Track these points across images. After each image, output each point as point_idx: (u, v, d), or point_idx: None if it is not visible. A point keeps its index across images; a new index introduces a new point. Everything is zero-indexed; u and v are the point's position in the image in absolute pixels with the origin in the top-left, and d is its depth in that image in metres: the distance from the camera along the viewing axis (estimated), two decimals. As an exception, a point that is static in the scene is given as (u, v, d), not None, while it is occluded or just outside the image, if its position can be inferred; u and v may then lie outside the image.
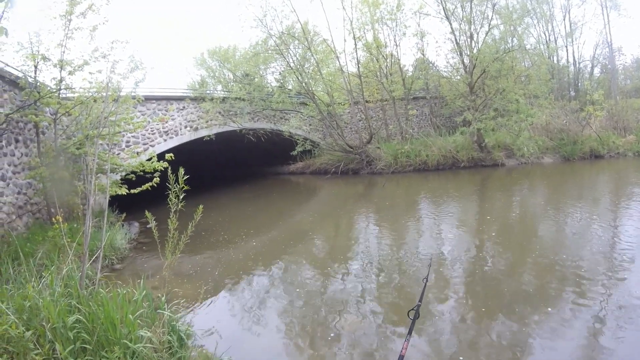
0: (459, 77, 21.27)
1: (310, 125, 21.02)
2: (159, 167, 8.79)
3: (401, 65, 23.26)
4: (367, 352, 4.15)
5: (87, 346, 3.12)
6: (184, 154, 19.71)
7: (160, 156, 9.11)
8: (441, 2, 19.88)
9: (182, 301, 4.91)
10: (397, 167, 18.82)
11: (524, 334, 4.42)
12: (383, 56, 22.56)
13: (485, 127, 18.49)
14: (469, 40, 19.86)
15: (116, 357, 3.08)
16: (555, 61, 25.60)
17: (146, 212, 4.52)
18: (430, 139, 19.67)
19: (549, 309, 4.86)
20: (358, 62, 21.91)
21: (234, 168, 25.19)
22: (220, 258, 7.95)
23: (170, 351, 3.62)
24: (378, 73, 22.33)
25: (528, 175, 17.73)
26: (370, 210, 12.88)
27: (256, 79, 21.85)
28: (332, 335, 4.50)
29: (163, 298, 4.13)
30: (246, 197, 17.27)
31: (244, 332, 4.83)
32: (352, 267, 6.98)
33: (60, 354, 2.99)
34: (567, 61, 26.34)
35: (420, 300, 2.85)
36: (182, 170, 3.98)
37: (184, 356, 3.68)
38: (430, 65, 24.49)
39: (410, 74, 24.45)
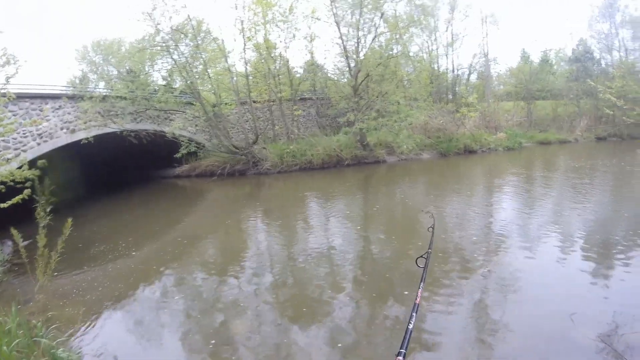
0: (345, 80, 23.74)
1: (196, 126, 22.57)
2: (31, 176, 7.97)
3: (290, 67, 25.73)
4: (266, 354, 4.64)
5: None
6: (64, 159, 19.49)
7: (34, 163, 8.67)
8: (332, 8, 23.04)
9: (64, 325, 4.89)
10: (283, 166, 21.32)
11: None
12: (272, 57, 24.83)
13: (368, 127, 21.52)
14: (356, 45, 23.26)
15: None
16: (436, 67, 29.52)
17: (12, 229, 4.51)
18: (316, 138, 22.50)
19: (437, 288, 6.00)
20: (246, 62, 24.04)
21: (117, 173, 25.25)
22: (104, 273, 7.97)
23: None
24: (266, 74, 24.56)
25: (408, 170, 21.07)
26: (259, 211, 14.42)
27: (141, 76, 22.21)
28: (228, 342, 4.96)
29: (39, 324, 4.23)
30: (130, 203, 17.84)
31: (137, 349, 5.00)
32: (246, 269, 7.72)
33: None
34: (447, 68, 31.11)
35: (430, 248, 3.29)
36: (48, 180, 4.20)
37: None
38: (319, 67, 26.79)
39: (299, 75, 26.48)
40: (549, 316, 4.91)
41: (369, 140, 22.38)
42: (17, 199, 7.48)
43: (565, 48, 37.35)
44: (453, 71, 32.15)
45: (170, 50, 20.97)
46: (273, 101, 24.41)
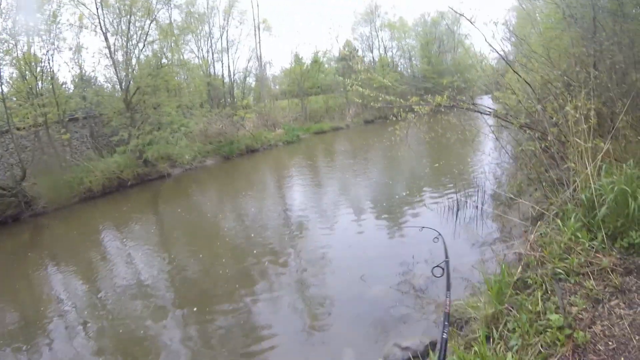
0: (117, 94, 24.18)
1: None
2: None
3: (55, 83, 25.26)
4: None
5: None
6: None
7: None
8: (98, 16, 23.97)
9: None
10: (61, 201, 20.93)
11: (245, 310, 6.71)
12: (34, 74, 24.04)
13: (144, 142, 22.47)
14: (125, 55, 24.84)
15: None
16: (213, 73, 31.83)
17: None
18: (92, 162, 22.80)
19: (261, 283, 7.48)
20: (3, 82, 22.52)
21: None
22: None
23: None
24: (29, 94, 23.78)
25: (195, 179, 23.69)
26: (47, 260, 13.60)
27: None
28: None
29: None
30: None
31: None
32: (54, 333, 7.60)
33: None
34: (223, 73, 33.68)
35: (447, 257, 3.65)
36: None
37: None
38: (89, 81, 26.70)
39: (69, 92, 25.99)
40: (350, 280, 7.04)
41: (148, 155, 23.88)
42: None
43: (333, 49, 44.34)
44: (229, 76, 35.26)
45: None
46: (39, 125, 23.60)
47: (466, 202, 9.84)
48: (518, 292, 3.83)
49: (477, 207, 9.38)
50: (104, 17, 24.40)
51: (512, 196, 7.85)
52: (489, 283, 4.04)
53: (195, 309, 7.07)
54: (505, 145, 8.92)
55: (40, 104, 23.46)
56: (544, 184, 6.67)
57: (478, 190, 10.37)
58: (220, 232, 12.15)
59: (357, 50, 45.55)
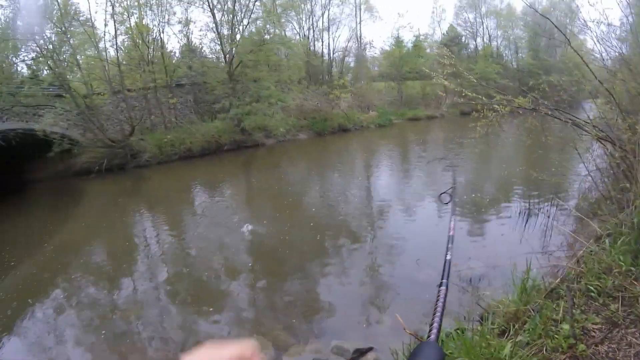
0: (221, 65, 25.47)
1: (68, 120, 22.53)
2: None
3: (165, 52, 26.96)
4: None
5: None
6: None
7: None
8: None
9: None
10: (162, 157, 23.00)
11: (320, 281, 7.01)
12: (146, 43, 26.08)
13: (243, 112, 23.40)
14: (230, 31, 26.04)
15: None
16: (312, 50, 32.46)
17: None
18: (194, 126, 24.33)
19: (333, 259, 7.75)
20: (118, 48, 25.28)
21: None
22: None
23: None
24: (140, 60, 25.78)
25: (287, 150, 24.34)
26: (144, 206, 15.13)
27: (4, 65, 21.91)
28: (129, 340, 5.82)
29: None
30: (3, 213, 16.53)
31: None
32: (138, 271, 8.36)
33: None
34: (322, 51, 34.01)
35: (454, 184, 4.57)
36: None
37: None
38: (195, 52, 28.14)
39: (175, 60, 27.60)
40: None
41: (246, 125, 24.72)
42: None
43: (434, 34, 42.96)
44: (329, 54, 35.53)
45: (35, 37, 21.17)
46: (148, 89, 25.50)
47: (539, 210, 9.53)
48: (548, 299, 3.85)
49: (548, 217, 8.87)
50: None
51: (578, 214, 7.32)
52: (516, 283, 4.19)
53: (267, 272, 7.47)
54: (594, 157, 8.29)
55: (150, 70, 25.52)
56: (613, 202, 6.16)
57: (553, 201, 9.80)
58: (303, 204, 12.54)
59: (461, 37, 44.15)
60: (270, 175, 17.95)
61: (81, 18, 24.28)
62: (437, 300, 1.09)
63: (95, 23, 24.63)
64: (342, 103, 31.11)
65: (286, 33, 30.99)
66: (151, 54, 26.45)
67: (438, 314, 1.06)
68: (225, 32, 26.44)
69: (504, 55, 47.19)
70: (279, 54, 29.11)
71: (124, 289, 7.50)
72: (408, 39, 42.03)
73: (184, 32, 28.75)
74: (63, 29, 22.12)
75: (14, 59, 24.77)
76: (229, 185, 16.95)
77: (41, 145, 20.83)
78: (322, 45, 36.20)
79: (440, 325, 1.01)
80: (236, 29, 26.29)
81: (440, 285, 1.39)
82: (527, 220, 8.92)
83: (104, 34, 25.12)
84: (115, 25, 24.52)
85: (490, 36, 45.78)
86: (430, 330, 0.99)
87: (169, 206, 14.29)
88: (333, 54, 36.61)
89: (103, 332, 6.03)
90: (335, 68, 36.77)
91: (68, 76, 22.85)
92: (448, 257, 1.55)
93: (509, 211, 9.77)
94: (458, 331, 3.57)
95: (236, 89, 25.66)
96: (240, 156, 23.86)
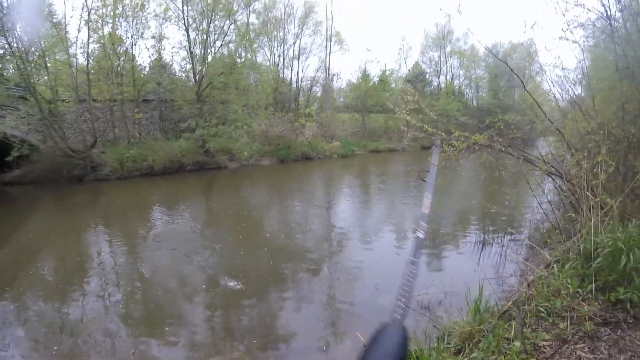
0: (190, 84, 25.74)
1: (29, 125, 22.08)
2: None
3: (135, 65, 27.30)
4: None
5: None
6: None
7: None
8: (183, 11, 25.96)
9: None
10: (123, 172, 22.92)
11: (278, 306, 7.08)
12: (117, 54, 26.16)
13: (209, 133, 23.70)
14: (202, 51, 26.61)
15: None
16: (282, 78, 33.22)
17: None
18: (158, 143, 24.38)
19: (290, 284, 7.86)
20: (88, 56, 25.23)
21: None
22: None
23: None
24: (109, 71, 25.78)
25: (249, 175, 24.73)
26: (99, 221, 14.98)
27: None
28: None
29: None
30: None
31: None
32: (90, 285, 8.29)
33: None
34: (291, 79, 35.07)
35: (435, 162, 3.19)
36: None
37: None
38: (165, 68, 28.35)
39: (145, 74, 27.73)
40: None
41: (210, 146, 25.05)
42: None
43: (400, 70, 44.68)
44: (297, 82, 36.49)
45: (4, 31, 20.77)
46: (115, 101, 25.44)
47: (493, 240, 9.98)
48: (501, 320, 4.15)
49: (502, 246, 9.50)
50: (188, 13, 26.37)
51: (530, 243, 8.16)
52: (470, 306, 4.52)
53: (222, 296, 7.52)
54: (545, 191, 9.11)
55: (118, 82, 25.48)
56: (562, 232, 6.90)
57: (507, 232, 10.58)
58: (263, 229, 12.69)
59: (425, 74, 46.06)
60: (231, 198, 18.32)
61: (54, 20, 24.21)
62: (405, 279, 1.06)
63: (68, 27, 24.50)
64: (306, 131, 31.96)
65: (257, 58, 31.75)
66: (121, 66, 26.35)
67: (404, 293, 1.01)
68: (197, 51, 26.99)
69: (465, 93, 49.66)
70: (248, 78, 29.69)
71: (74, 305, 7.30)
72: (374, 72, 43.82)
73: (156, 47, 28.92)
74: (35, 28, 21.91)
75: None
76: (188, 206, 16.99)
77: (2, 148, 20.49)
78: (292, 73, 37.35)
79: (407, 306, 0.99)
80: (209, 50, 26.93)
81: (411, 263, 1.31)
82: (482, 250, 9.28)
83: (76, 40, 24.58)
84: (88, 32, 24.30)
85: (453, 75, 48.21)
86: (395, 311, 0.96)
87: (125, 223, 14.19)
88: (301, 82, 37.81)
89: (51, 348, 5.88)
90: (302, 96, 37.87)
91: (34, 79, 22.49)
92: (421, 236, 1.48)
93: (465, 241, 10.19)
94: (417, 351, 3.73)
95: (203, 110, 26.00)
96: (202, 177, 24.08)
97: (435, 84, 47.49)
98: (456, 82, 48.73)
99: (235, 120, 25.86)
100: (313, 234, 11.85)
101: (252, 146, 26.75)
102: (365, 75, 40.56)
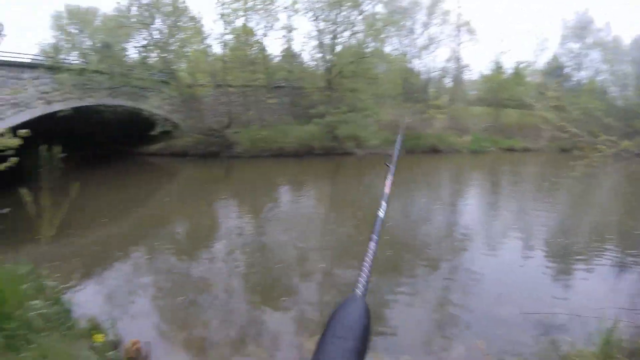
0: (320, 73, 25.86)
1: (171, 105, 24.20)
2: (13, 145, 7.93)
3: (266, 54, 27.56)
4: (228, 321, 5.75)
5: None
6: (39, 131, 20.34)
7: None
8: (312, 3, 26.12)
9: (63, 276, 5.97)
10: (254, 152, 23.87)
11: (389, 301, 6.51)
12: (249, 44, 27.07)
13: (337, 120, 23.30)
14: (331, 40, 26.48)
15: (15, 326, 3.72)
16: (410, 68, 32.08)
17: (21, 189, 5.22)
18: (288, 126, 24.45)
19: (407, 278, 7.35)
20: (224, 46, 26.37)
21: (94, 148, 25.93)
22: (86, 244, 9.20)
23: (60, 321, 4.48)
24: (243, 59, 26.84)
25: (375, 163, 23.41)
26: (230, 194, 15.87)
27: (117, 48, 23.54)
28: (195, 311, 6.05)
29: (44, 272, 5.28)
30: (108, 177, 19.20)
31: (119, 300, 6.34)
32: (215, 249, 8.87)
33: None
34: (420, 70, 33.87)
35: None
36: (58, 149, 4.99)
37: (72, 324, 4.58)
38: (295, 57, 28.77)
39: (276, 62, 28.39)
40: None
41: (339, 133, 24.59)
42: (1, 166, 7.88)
43: (536, 62, 40.78)
44: (426, 73, 34.87)
45: (147, 24, 23.13)
46: (248, 86, 26.66)
47: (634, 265, 8.46)
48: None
49: None
50: (316, 4, 26.26)
51: None
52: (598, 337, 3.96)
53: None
54: None
55: (252, 69, 26.65)
56: None
57: None
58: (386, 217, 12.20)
59: (564, 68, 41.70)
60: (355, 184, 17.91)
61: (190, 14, 25.81)
62: (366, 255, 1.04)
63: (203, 21, 26.09)
64: (436, 123, 30.32)
65: (386, 48, 30.81)
66: (253, 55, 27.37)
67: (365, 269, 0.99)
68: (326, 41, 26.91)
69: (609, 91, 43.91)
70: (377, 68, 28.97)
71: (198, 264, 8.00)
72: (508, 65, 40.49)
73: (287, 38, 29.43)
74: (174, 22, 23.76)
75: (127, 43, 26.41)
76: (312, 188, 17.01)
77: (145, 124, 22.85)
78: (421, 63, 35.51)
79: (367, 282, 0.95)
80: (337, 40, 26.66)
81: (370, 240, 1.15)
82: (618, 274, 7.95)
83: (212, 31, 26.49)
84: (223, 24, 25.77)
85: (596, 69, 42.58)
86: (357, 286, 0.91)
87: (253, 197, 14.82)
88: (431, 73, 35.82)
89: (176, 298, 6.40)
90: (431, 87, 35.94)
91: (175, 65, 24.13)
92: (380, 215, 1.31)
93: (600, 261, 8.60)
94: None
95: (332, 97, 25.80)
96: (329, 162, 23.76)
97: (575, 79, 42.73)
98: (599, 78, 43.22)
99: (364, 108, 25.27)
100: (435, 230, 11.03)
101: (380, 135, 25.89)
102: (498, 67, 37.58)
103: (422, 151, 27.96)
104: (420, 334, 5.61)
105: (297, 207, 12.94)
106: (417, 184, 18.61)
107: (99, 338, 4.08)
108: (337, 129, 25.03)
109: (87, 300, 6.05)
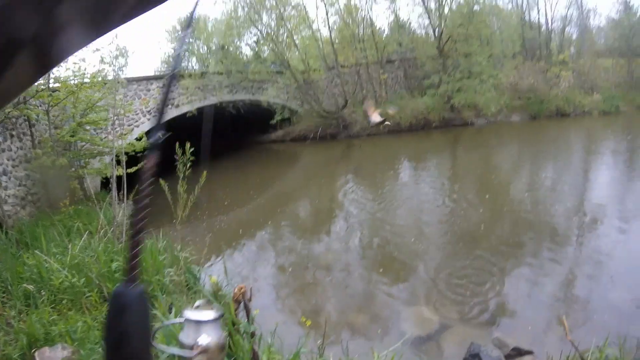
0: (431, 40, 25.37)
1: (287, 93, 25.24)
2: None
3: (374, 29, 27.82)
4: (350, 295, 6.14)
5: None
6: (170, 131, 23.07)
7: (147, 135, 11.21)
8: None
9: (194, 250, 6.62)
10: (371, 129, 22.78)
11: (506, 272, 6.60)
12: (356, 21, 26.98)
13: (453, 89, 22.73)
14: (438, 3, 25.55)
15: (151, 289, 4.60)
16: (528, 21, 29.72)
17: (160, 180, 5.48)
18: (404, 100, 24.01)
19: (526, 257, 7.07)
20: (330, 28, 26.64)
21: (219, 140, 27.87)
22: (214, 224, 10.31)
23: (188, 286, 5.43)
24: (351, 38, 26.79)
25: (496, 133, 22.58)
26: (350, 173, 16.22)
27: (231, 49, 24.86)
28: (316, 284, 6.51)
29: (178, 247, 6.17)
30: (235, 166, 20.50)
31: (246, 272, 7.07)
32: (337, 227, 9.24)
33: (108, 293, 4.63)
34: (539, 21, 30.57)
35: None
36: (188, 145, 5.63)
37: (198, 290, 5.41)
38: (404, 28, 28.19)
39: (385, 36, 28.07)
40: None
41: (455, 102, 23.81)
42: (141, 164, 9.21)
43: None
44: (546, 25, 32.00)
45: (254, 21, 24.25)
46: (360, 65, 26.64)
47: None
48: None
49: None
50: None
51: None
52: None
53: (454, 255, 7.20)
54: None
55: (361, 47, 26.52)
56: None
57: None
58: (508, 193, 11.63)
59: None
60: (476, 157, 17.02)
61: (292, 3, 26.25)
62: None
63: (306, 7, 26.39)
64: (561, 83, 27.85)
65: (497, 1, 28.95)
66: (361, 32, 27.17)
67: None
68: (432, 5, 26.02)
69: None
70: (490, 26, 27.34)
71: (320, 240, 8.47)
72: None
73: (392, 9, 28.84)
74: (278, 14, 24.45)
75: (239, 42, 27.96)
76: (433, 163, 16.70)
77: (264, 114, 24.38)
78: (539, 14, 32.60)
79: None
80: (444, 1, 25.55)
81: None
82: None
83: (316, 17, 27.09)
84: (325, 7, 25.93)
85: None
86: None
87: (373, 176, 14.89)
88: (551, 24, 32.43)
89: (291, 270, 6.93)
90: (554, 41, 32.33)
91: (287, 55, 24.88)
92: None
93: None
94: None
95: (446, 65, 24.92)
96: (447, 134, 23.06)
97: None
98: None
99: (480, 72, 24.03)
100: (563, 206, 10.02)
101: (499, 100, 24.51)
102: (628, 7, 32.99)
103: (547, 115, 26.03)
104: (523, 311, 5.57)
105: (418, 183, 12.95)
106: (542, 153, 16.86)
107: (213, 279, 4.87)
108: (453, 98, 24.18)
109: (213, 270, 6.84)
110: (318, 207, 11.76)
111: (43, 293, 4.47)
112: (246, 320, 3.86)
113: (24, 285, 4.51)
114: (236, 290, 4.49)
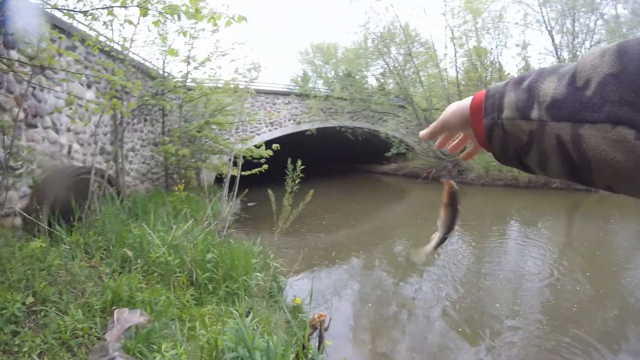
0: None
1: (407, 128, 25.38)
2: (265, 155, 10.93)
3: (503, 75, 27.50)
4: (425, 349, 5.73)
5: (215, 276, 5.06)
6: (286, 145, 24.55)
7: (266, 145, 11.62)
8: (541, 14, 24.86)
9: (280, 267, 6.69)
10: (487, 179, 22.86)
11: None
12: (484, 65, 26.78)
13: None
14: (571, 54, 24.73)
15: (235, 287, 4.95)
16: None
17: (269, 190, 6.25)
18: (523, 153, 22.78)
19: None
20: (457, 69, 26.85)
21: (330, 163, 28.99)
22: (309, 241, 10.69)
23: (270, 294, 5.64)
24: (478, 81, 26.42)
25: (621, 205, 20.08)
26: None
27: (357, 77, 25.65)
28: (394, 326, 6.31)
29: (272, 255, 6.33)
30: (340, 190, 21.65)
31: (328, 293, 7.24)
32: (430, 273, 8.79)
33: (198, 278, 5.00)
34: None
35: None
36: (299, 162, 6.10)
37: (279, 299, 5.59)
38: (523, 74, 27.45)
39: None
40: None
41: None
42: (255, 170, 10.30)
43: None
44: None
45: (383, 54, 24.96)
46: None
47: None
48: None
49: None
50: (548, 15, 24.77)
51: None
52: None
53: (546, 332, 6.16)
54: None
55: None
56: None
57: None
58: (621, 274, 9.54)
59: None
60: (595, 228, 14.79)
61: (421, 40, 26.85)
62: None
63: (435, 45, 26.56)
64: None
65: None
66: (489, 77, 26.69)
67: None
68: (565, 55, 24.97)
69: None
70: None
71: (409, 283, 8.22)
72: None
73: (522, 55, 28.09)
74: (407, 50, 24.87)
75: (365, 72, 28.75)
76: (544, 226, 15.19)
77: (380, 145, 24.86)
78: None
79: None
80: (578, 52, 24.37)
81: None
82: None
83: (444, 56, 27.06)
84: (454, 48, 25.99)
85: None
86: None
87: (479, 228, 13.92)
88: None
89: (371, 305, 6.88)
90: None
91: (411, 90, 25.13)
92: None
93: None
94: None
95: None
96: (567, 198, 21.60)
97: None
98: None
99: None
100: None
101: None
102: None
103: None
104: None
105: (524, 244, 11.70)
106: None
107: (297, 300, 5.22)
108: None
109: (298, 285, 7.11)
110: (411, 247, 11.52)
111: (139, 261, 4.92)
112: (316, 346, 4.02)
113: (124, 250, 4.95)
114: (316, 316, 4.76)
